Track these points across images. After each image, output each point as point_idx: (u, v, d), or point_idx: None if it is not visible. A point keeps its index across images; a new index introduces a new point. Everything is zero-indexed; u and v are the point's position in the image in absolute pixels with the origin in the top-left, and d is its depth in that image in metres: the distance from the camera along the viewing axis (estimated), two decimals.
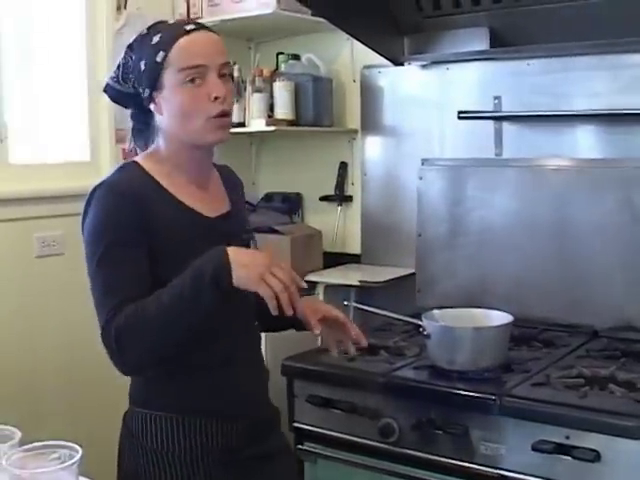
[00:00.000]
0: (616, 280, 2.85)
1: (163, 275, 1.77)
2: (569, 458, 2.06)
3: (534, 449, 2.11)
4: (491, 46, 3.11)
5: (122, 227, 1.78)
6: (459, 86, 3.28)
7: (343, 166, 3.66)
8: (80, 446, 1.54)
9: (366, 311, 2.45)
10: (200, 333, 1.80)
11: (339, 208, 3.65)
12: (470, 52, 3.15)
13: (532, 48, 3.03)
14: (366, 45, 3.25)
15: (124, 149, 3.49)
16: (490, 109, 3.19)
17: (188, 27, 1.84)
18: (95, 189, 1.83)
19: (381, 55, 3.30)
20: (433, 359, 2.44)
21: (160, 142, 1.93)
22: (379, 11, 3.19)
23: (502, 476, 2.19)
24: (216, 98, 1.82)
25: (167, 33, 1.83)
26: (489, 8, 2.99)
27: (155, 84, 1.84)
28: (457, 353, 2.37)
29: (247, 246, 1.98)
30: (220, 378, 1.90)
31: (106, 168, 3.45)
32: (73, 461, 1.49)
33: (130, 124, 2.03)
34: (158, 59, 1.81)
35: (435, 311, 2.53)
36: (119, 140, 3.47)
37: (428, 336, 2.41)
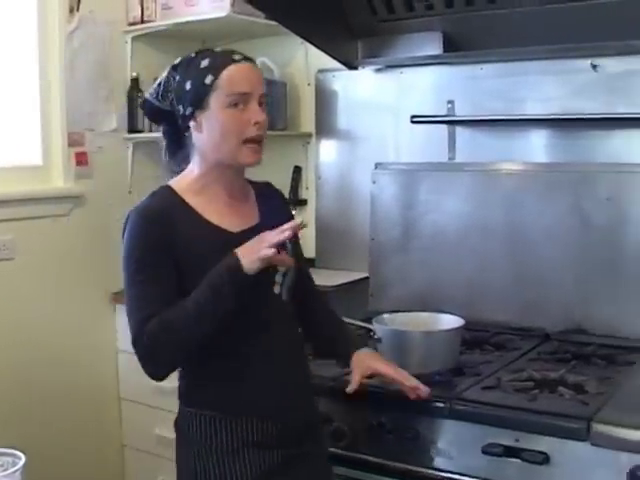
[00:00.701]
0: (567, 283, 2.87)
1: (190, 287, 1.92)
2: (518, 461, 2.07)
3: (484, 452, 2.11)
4: (445, 50, 3.12)
5: (149, 249, 1.94)
6: (413, 90, 3.30)
7: (297, 170, 3.66)
8: (23, 453, 1.52)
9: None
10: (227, 344, 1.98)
11: (293, 212, 3.62)
12: (424, 56, 3.16)
13: (485, 53, 3.05)
14: (320, 49, 3.25)
15: (77, 153, 3.47)
16: (444, 113, 3.20)
17: (236, 57, 2.01)
18: (130, 214, 2.01)
19: (335, 59, 3.30)
20: None
21: (195, 160, 2.06)
22: (333, 15, 3.19)
23: None
24: (256, 123, 1.98)
25: (216, 59, 1.99)
26: (442, 12, 3.00)
27: (200, 104, 1.98)
28: (408, 357, 2.37)
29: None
30: (260, 379, 2.02)
31: (58, 172, 3.44)
32: (15, 469, 1.47)
33: (164, 142, 2.17)
34: (207, 81, 1.96)
35: (385, 315, 2.53)
36: (72, 144, 3.46)
37: (379, 340, 2.41)
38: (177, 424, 2.10)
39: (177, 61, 2.06)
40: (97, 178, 3.58)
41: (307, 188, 3.67)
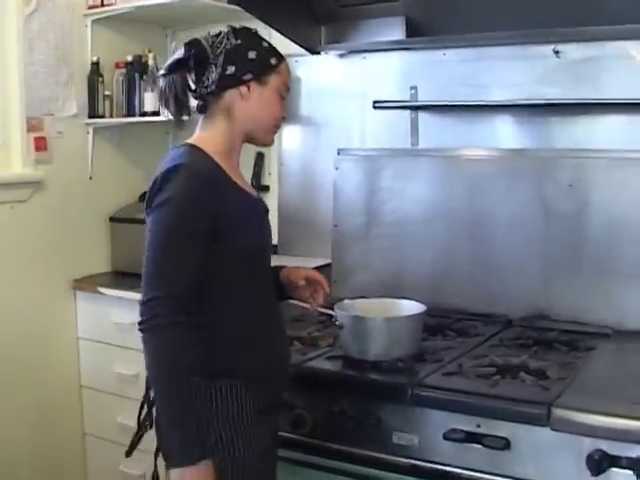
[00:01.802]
0: (530, 270, 2.87)
1: (223, 248, 1.98)
2: (480, 446, 2.07)
3: (446, 438, 2.11)
4: (408, 36, 3.11)
5: (202, 208, 1.94)
6: (376, 76, 3.28)
7: (260, 156, 3.63)
8: None
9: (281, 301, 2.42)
10: (248, 309, 2.05)
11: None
12: (387, 42, 3.15)
13: (448, 38, 3.04)
14: (283, 34, 3.21)
15: (36, 138, 3.42)
16: (407, 99, 3.18)
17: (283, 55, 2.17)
18: (174, 169, 1.96)
19: (298, 44, 3.27)
20: (346, 349, 2.43)
21: (219, 123, 2.10)
22: (296, 0, 3.16)
23: (414, 466, 2.18)
24: (284, 117, 2.19)
25: (274, 49, 2.14)
26: None
27: (261, 77, 2.08)
28: (369, 343, 2.36)
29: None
30: (264, 346, 2.07)
31: (17, 157, 3.40)
32: None
33: (172, 91, 2.08)
34: (272, 62, 2.10)
35: (347, 301, 2.52)
36: (31, 129, 3.42)
37: (341, 326, 2.39)
38: None
39: (237, 26, 2.11)
40: (57, 163, 3.53)
41: (270, 174, 3.65)
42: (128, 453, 2.19)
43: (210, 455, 1.91)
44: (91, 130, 3.65)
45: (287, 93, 2.17)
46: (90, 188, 3.64)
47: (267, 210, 2.24)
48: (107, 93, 3.65)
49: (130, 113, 3.63)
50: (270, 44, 2.15)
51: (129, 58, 3.63)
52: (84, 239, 3.64)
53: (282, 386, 2.15)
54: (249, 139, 2.16)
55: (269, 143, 2.23)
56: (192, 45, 2.06)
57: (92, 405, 3.65)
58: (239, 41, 2.07)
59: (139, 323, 1.90)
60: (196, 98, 2.11)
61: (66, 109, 3.55)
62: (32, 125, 3.40)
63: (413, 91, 3.18)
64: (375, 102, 3.17)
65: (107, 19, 3.59)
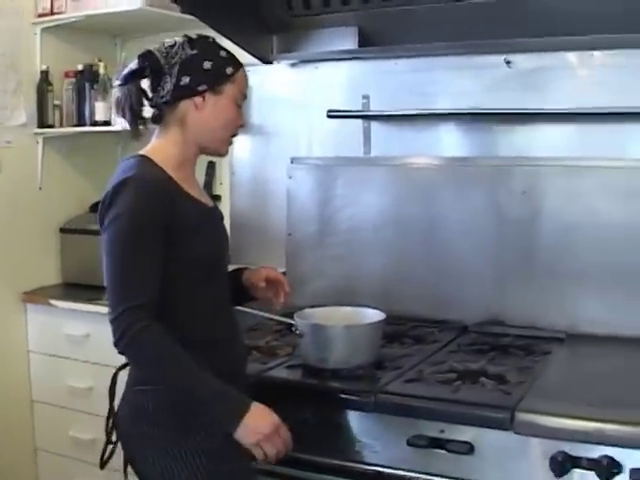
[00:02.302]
0: (484, 276, 2.91)
1: (173, 255, 1.97)
2: (444, 451, 2.08)
3: (409, 444, 2.12)
4: (360, 46, 3.13)
5: (152, 222, 1.94)
6: (328, 85, 3.30)
7: (211, 165, 3.62)
8: None
9: (239, 310, 2.42)
10: (203, 316, 2.06)
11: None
12: (338, 51, 3.16)
13: (399, 48, 3.07)
14: (234, 43, 3.19)
15: None
16: (359, 108, 3.20)
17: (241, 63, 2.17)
18: (125, 181, 1.96)
19: (249, 53, 3.26)
20: (306, 358, 2.43)
21: (173, 134, 2.10)
22: (248, 9, 3.16)
23: (378, 472, 2.19)
24: (241, 125, 2.19)
25: (233, 56, 2.14)
26: (358, 8, 2.99)
27: (215, 88, 2.08)
28: (330, 351, 2.36)
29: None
30: (222, 350, 2.08)
31: None
32: None
33: (127, 100, 2.08)
34: (228, 72, 2.10)
35: (307, 310, 2.52)
36: None
37: (301, 335, 2.39)
38: (138, 408, 2.04)
39: (193, 35, 2.11)
40: (5, 173, 3.48)
41: (221, 184, 3.64)
42: (102, 466, 2.16)
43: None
44: (41, 140, 3.61)
45: (243, 101, 2.18)
46: (39, 198, 3.59)
47: (222, 218, 2.26)
48: (57, 102, 3.61)
49: (80, 123, 3.59)
50: (229, 52, 2.15)
51: (79, 67, 3.59)
52: (34, 250, 3.58)
53: (241, 389, 2.08)
54: (203, 150, 2.16)
55: (223, 154, 2.24)
56: (145, 57, 2.08)
57: (44, 419, 3.60)
58: (195, 51, 2.08)
59: (116, 343, 1.89)
60: (152, 107, 2.11)
61: (14, 118, 3.50)
62: None
63: (365, 100, 3.20)
64: (329, 111, 3.19)
65: (57, 27, 3.55)
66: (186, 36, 2.11)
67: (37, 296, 3.52)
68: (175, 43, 2.08)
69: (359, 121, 3.23)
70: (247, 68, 3.35)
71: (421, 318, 2.95)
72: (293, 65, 3.37)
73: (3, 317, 3.51)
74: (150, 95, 2.10)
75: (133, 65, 2.08)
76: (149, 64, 2.07)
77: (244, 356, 2.24)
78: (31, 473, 3.62)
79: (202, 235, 2.05)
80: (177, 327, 1.98)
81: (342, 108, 3.22)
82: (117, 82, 2.12)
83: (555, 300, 2.78)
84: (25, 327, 3.58)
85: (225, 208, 3.57)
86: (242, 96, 2.16)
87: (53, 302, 3.40)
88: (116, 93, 2.13)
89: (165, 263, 1.96)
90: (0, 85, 3.44)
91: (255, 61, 3.32)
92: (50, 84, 3.55)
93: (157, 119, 2.11)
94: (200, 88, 2.06)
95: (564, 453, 1.94)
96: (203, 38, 2.13)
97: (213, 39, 2.16)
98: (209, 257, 2.08)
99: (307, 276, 3.22)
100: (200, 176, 3.55)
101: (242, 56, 3.23)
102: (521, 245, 2.84)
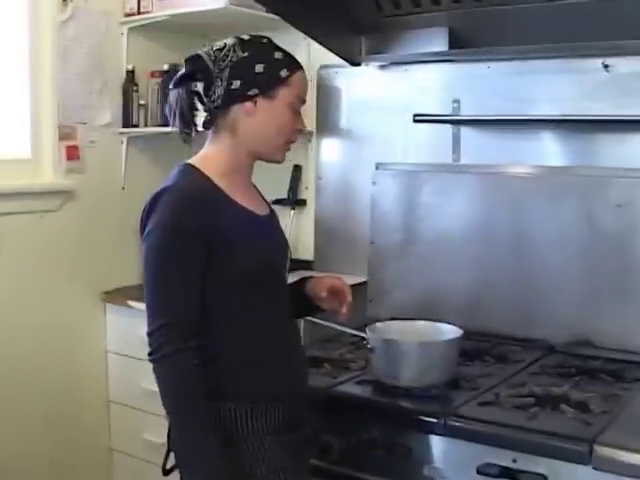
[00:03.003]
0: (575, 293, 2.74)
1: (220, 269, 1.91)
2: None
3: (479, 472, 2.00)
4: (450, 47, 2.99)
5: (191, 237, 1.88)
6: (417, 88, 3.17)
7: (297, 169, 3.54)
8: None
9: (312, 322, 2.33)
10: (254, 328, 1.98)
11: (292, 212, 3.52)
12: (429, 53, 3.03)
13: (492, 50, 2.92)
14: (322, 44, 3.12)
15: (68, 147, 3.36)
16: (449, 112, 3.07)
17: (300, 64, 2.06)
18: (162, 193, 1.91)
19: (337, 55, 3.17)
20: (377, 374, 2.32)
21: (224, 140, 2.02)
22: (337, 10, 3.06)
23: None
24: (300, 130, 2.09)
25: (289, 57, 2.04)
26: (449, 8, 2.85)
27: (268, 92, 1.99)
28: (402, 368, 2.25)
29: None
30: (277, 365, 1.99)
31: (48, 166, 3.34)
32: None
33: (177, 106, 2.03)
34: (282, 74, 1.99)
35: (378, 324, 2.41)
36: (63, 137, 3.36)
37: (372, 350, 2.29)
38: None
39: (245, 37, 2.02)
40: (89, 173, 3.47)
41: (307, 188, 3.55)
42: (165, 472, 2.09)
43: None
44: (125, 139, 3.59)
45: (301, 105, 2.07)
46: (122, 198, 3.57)
47: (277, 224, 2.19)
48: (142, 102, 3.59)
49: (165, 123, 3.54)
50: (285, 53, 2.04)
51: (165, 67, 3.56)
52: (115, 250, 3.56)
53: (296, 408, 2.02)
54: (257, 156, 2.07)
55: (279, 160, 2.11)
56: (192, 61, 2.02)
57: (119, 420, 3.59)
58: (246, 54, 1.99)
59: (148, 354, 1.86)
60: (205, 112, 2.03)
61: (100, 118, 3.49)
62: (64, 133, 3.34)
63: (456, 104, 3.06)
64: (415, 115, 3.06)
65: (143, 27, 3.53)
66: (237, 37, 2.02)
67: (116, 296, 3.50)
68: (225, 45, 2.00)
69: (449, 126, 3.09)
70: (335, 70, 3.36)
71: (505, 335, 2.80)
72: (382, 67, 3.25)
73: (84, 316, 3.50)
74: (204, 100, 2.02)
75: (183, 69, 2.03)
76: (198, 68, 2.00)
77: (302, 372, 2.12)
78: (107, 474, 3.60)
79: (248, 245, 1.96)
80: (224, 341, 1.94)
81: (432, 112, 3.09)
82: (170, 85, 2.05)
83: None
84: (104, 327, 3.57)
85: (310, 213, 3.49)
86: (299, 101, 2.05)
87: (131, 303, 3.36)
88: (169, 97, 2.05)
89: (209, 275, 1.90)
90: (86, 85, 3.43)
91: (344, 63, 3.23)
92: (136, 84, 3.54)
93: (208, 124, 2.02)
94: (251, 92, 1.98)
95: None
96: (257, 39, 2.04)
97: (269, 39, 2.06)
98: (256, 267, 1.97)
99: (388, 286, 3.11)
100: (285, 180, 3.50)
101: (329, 59, 3.19)
102: (615, 261, 2.66)
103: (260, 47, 2.01)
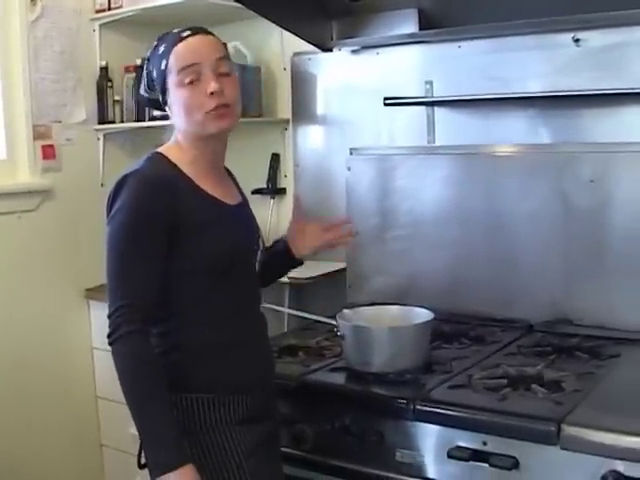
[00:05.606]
0: (552, 271, 2.71)
1: (183, 254, 1.92)
2: (486, 465, 1.93)
3: (450, 456, 1.98)
4: (421, 28, 2.96)
5: (151, 221, 1.88)
6: (390, 71, 3.13)
7: (275, 157, 3.51)
8: None
9: (275, 310, 2.31)
10: (218, 317, 1.97)
11: (272, 201, 3.50)
12: (399, 35, 3.00)
13: (463, 29, 2.88)
14: (291, 32, 3.10)
15: (44, 146, 3.35)
16: (422, 94, 3.04)
17: (184, 34, 2.00)
18: (127, 177, 1.92)
19: (308, 42, 3.15)
20: (348, 361, 2.31)
21: (178, 137, 2.06)
22: None
23: None
24: (212, 93, 1.95)
25: (168, 42, 2.01)
26: None
27: (164, 89, 2.01)
28: (373, 355, 2.24)
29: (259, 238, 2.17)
30: (239, 356, 1.99)
31: (24, 166, 3.33)
32: None
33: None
34: (162, 67, 1.99)
35: (346, 310, 2.39)
36: (38, 136, 3.35)
37: (342, 337, 2.27)
38: None
39: (148, 52, 2.07)
40: (66, 171, 3.47)
41: (286, 176, 3.53)
42: (140, 466, 2.05)
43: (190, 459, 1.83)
44: (101, 136, 3.58)
45: (190, 75, 1.95)
46: (102, 195, 3.50)
47: (248, 215, 2.18)
48: (117, 98, 3.58)
49: (141, 118, 3.53)
50: (166, 42, 2.00)
51: (138, 61, 3.51)
52: (96, 247, 3.48)
53: (261, 399, 2.02)
54: (198, 137, 2.01)
55: (213, 131, 1.98)
56: (140, 101, 2.22)
57: (108, 416, 3.59)
58: (150, 67, 2.06)
59: (107, 337, 1.87)
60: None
61: (75, 115, 3.48)
62: (39, 133, 3.34)
63: (428, 86, 3.03)
64: (386, 99, 3.03)
65: (115, 22, 3.53)
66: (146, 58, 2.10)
67: (99, 293, 3.48)
68: (145, 70, 2.11)
69: (423, 109, 3.06)
70: (308, 56, 3.33)
71: (485, 316, 2.77)
72: (354, 52, 3.21)
73: (67, 314, 3.51)
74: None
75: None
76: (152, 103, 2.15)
77: (267, 363, 2.11)
78: (98, 470, 3.61)
79: (211, 232, 1.95)
80: (186, 328, 1.94)
81: (405, 94, 3.05)
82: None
83: (629, 297, 2.56)
84: (89, 324, 3.58)
85: (289, 201, 3.47)
86: (183, 74, 1.95)
87: None
88: None
89: (172, 261, 1.90)
90: (59, 83, 3.42)
91: (315, 49, 3.20)
92: (110, 80, 3.53)
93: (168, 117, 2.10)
94: (161, 98, 2.04)
95: (617, 472, 1.75)
96: (151, 48, 2.06)
97: (159, 38, 2.05)
98: (219, 255, 1.96)
99: (368, 272, 3.09)
100: (264, 169, 3.48)
101: (302, 46, 3.16)
102: (592, 238, 2.62)
103: (152, 53, 2.04)
